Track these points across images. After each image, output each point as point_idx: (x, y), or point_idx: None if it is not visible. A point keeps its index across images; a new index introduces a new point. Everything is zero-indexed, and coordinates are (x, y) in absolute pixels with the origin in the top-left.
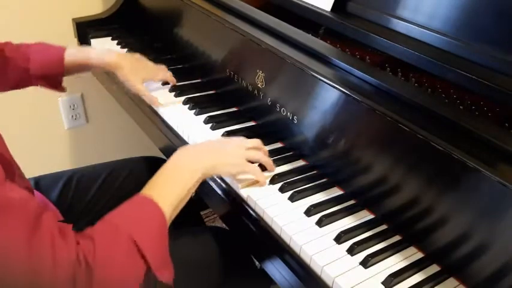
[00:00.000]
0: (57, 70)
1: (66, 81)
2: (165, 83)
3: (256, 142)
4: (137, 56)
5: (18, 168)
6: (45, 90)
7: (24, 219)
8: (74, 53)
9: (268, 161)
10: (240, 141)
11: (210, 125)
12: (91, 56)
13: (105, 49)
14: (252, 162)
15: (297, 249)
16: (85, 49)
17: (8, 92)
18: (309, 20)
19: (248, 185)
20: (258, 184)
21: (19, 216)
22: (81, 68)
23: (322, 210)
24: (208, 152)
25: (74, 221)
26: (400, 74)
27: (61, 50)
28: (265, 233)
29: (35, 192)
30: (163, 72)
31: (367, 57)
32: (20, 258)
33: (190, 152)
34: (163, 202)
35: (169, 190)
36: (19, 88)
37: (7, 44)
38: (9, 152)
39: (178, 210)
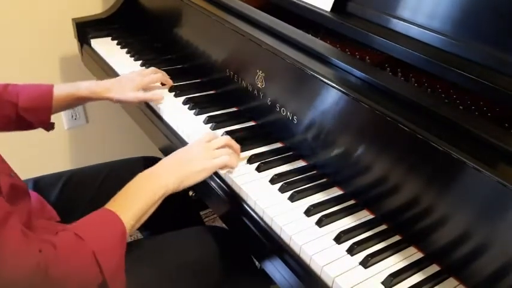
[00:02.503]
0: (46, 103)
1: (66, 80)
2: (163, 84)
3: (223, 140)
4: (126, 74)
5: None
6: None
7: None
8: (63, 86)
9: (235, 157)
10: (205, 145)
11: (210, 125)
12: (80, 86)
13: (92, 81)
14: None
15: (296, 249)
16: (75, 83)
17: None
18: (309, 20)
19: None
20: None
21: None
22: (69, 99)
23: (322, 210)
24: (175, 166)
25: (74, 221)
26: (400, 74)
27: (50, 85)
28: (265, 233)
29: (31, 192)
30: (151, 76)
31: (367, 57)
32: None
33: (159, 168)
34: (126, 216)
35: (133, 205)
36: (7, 130)
37: None
38: None
39: (141, 222)
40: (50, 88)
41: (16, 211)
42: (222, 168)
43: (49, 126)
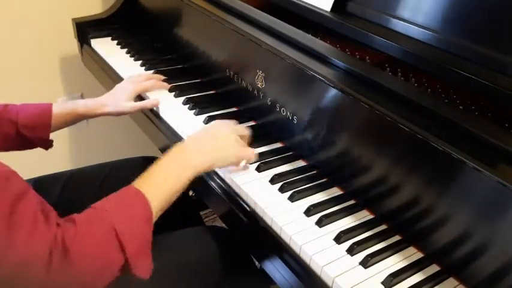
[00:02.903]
0: (45, 120)
1: (66, 80)
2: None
3: (240, 127)
4: (118, 84)
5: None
6: (45, 91)
7: (7, 193)
8: (62, 104)
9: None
10: (229, 129)
11: None
12: (78, 104)
13: (88, 99)
14: None
15: (296, 249)
16: (74, 101)
17: (8, 92)
18: (309, 20)
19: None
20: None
21: (1, 188)
22: (68, 117)
23: (322, 210)
24: (204, 150)
25: None
26: (400, 74)
27: (49, 104)
28: (265, 233)
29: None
30: (144, 83)
31: (367, 57)
32: None
33: (190, 149)
34: (153, 195)
35: (160, 185)
36: (6, 149)
37: None
38: None
39: (168, 204)
40: (49, 106)
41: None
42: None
43: (48, 144)
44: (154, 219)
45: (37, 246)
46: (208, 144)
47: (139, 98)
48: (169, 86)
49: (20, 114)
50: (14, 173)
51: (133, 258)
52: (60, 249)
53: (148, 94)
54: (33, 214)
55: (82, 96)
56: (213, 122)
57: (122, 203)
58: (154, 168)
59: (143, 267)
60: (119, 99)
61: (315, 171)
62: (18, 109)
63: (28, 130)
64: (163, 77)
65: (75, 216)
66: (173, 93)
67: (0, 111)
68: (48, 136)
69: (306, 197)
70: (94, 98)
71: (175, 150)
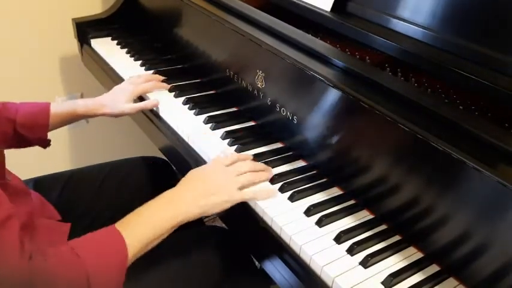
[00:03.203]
0: (43, 120)
1: (66, 80)
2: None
3: (247, 166)
4: (118, 85)
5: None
6: (45, 91)
7: None
8: (61, 104)
9: (261, 177)
10: (229, 171)
11: (210, 125)
12: (77, 104)
13: (87, 99)
14: None
15: (296, 249)
16: (72, 100)
17: (8, 92)
18: (309, 20)
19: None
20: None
21: None
22: (67, 116)
23: (322, 210)
24: (194, 196)
25: (74, 221)
26: (399, 74)
27: (47, 103)
28: (265, 233)
29: (33, 192)
30: (143, 85)
31: (367, 57)
32: None
33: (176, 195)
34: (133, 243)
35: (143, 230)
36: (3, 147)
37: None
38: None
39: (150, 247)
40: (47, 105)
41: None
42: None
43: (46, 143)
44: (131, 260)
45: (5, 270)
46: (200, 192)
47: (140, 98)
48: (169, 86)
49: (18, 113)
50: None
51: None
52: (26, 284)
53: (148, 94)
54: (10, 242)
55: (82, 96)
56: (210, 163)
57: (99, 246)
58: (141, 212)
59: None
60: (118, 100)
61: (315, 171)
62: (16, 107)
63: (26, 129)
64: (163, 78)
65: (48, 250)
66: (173, 93)
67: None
68: (46, 135)
69: (306, 197)
70: (94, 98)
71: (165, 198)
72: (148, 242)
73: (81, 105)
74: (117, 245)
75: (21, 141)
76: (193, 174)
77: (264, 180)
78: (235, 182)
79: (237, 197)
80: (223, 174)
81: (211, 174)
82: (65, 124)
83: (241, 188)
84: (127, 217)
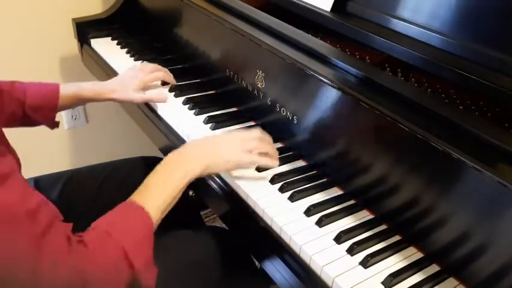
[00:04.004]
0: (53, 101)
1: (66, 80)
2: (164, 83)
3: (256, 133)
4: (127, 71)
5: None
6: None
7: (32, 233)
8: (69, 85)
9: (270, 148)
10: (236, 136)
11: (210, 125)
12: (85, 87)
13: (96, 81)
14: None
15: (296, 249)
16: (79, 82)
17: None
18: (309, 20)
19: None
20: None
21: (26, 229)
22: (74, 99)
23: (322, 210)
24: (198, 153)
25: (74, 221)
26: (400, 74)
27: (56, 84)
28: (265, 233)
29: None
30: (154, 74)
31: (367, 57)
32: (26, 267)
33: (186, 153)
34: (152, 207)
35: (160, 195)
36: (12, 126)
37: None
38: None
39: (167, 211)
40: (56, 87)
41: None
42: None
43: (54, 124)
44: (155, 228)
45: (60, 281)
46: (206, 148)
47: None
48: (175, 83)
49: (27, 95)
50: (44, 202)
51: (141, 273)
52: (81, 281)
53: (151, 90)
54: (60, 242)
55: None
56: (221, 133)
57: (126, 223)
58: (151, 177)
59: (150, 278)
60: (128, 86)
61: (315, 171)
62: (25, 88)
63: (35, 112)
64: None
65: (85, 238)
66: (173, 93)
67: (8, 89)
68: (54, 117)
69: (306, 197)
70: (103, 82)
71: (172, 161)
72: (165, 206)
73: (88, 89)
74: (141, 217)
75: (29, 121)
76: (200, 139)
77: (271, 152)
78: (240, 146)
79: (237, 157)
80: (228, 138)
81: (215, 137)
82: (71, 107)
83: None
84: (140, 189)
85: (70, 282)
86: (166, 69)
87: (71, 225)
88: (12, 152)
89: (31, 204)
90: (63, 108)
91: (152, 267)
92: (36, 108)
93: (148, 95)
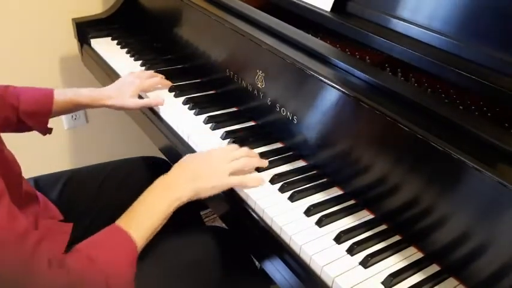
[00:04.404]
0: (47, 107)
1: (66, 80)
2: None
3: (242, 152)
4: (124, 77)
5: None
6: None
7: (19, 255)
8: (64, 91)
9: (254, 163)
10: (222, 157)
11: (210, 125)
12: (81, 93)
13: (93, 88)
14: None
15: (296, 249)
16: (77, 88)
17: None
18: (309, 20)
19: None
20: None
21: (14, 252)
22: (69, 105)
23: (322, 210)
24: (190, 179)
25: (74, 221)
26: (400, 74)
27: (51, 89)
28: (265, 233)
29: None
30: (151, 80)
31: (367, 57)
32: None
33: (174, 179)
34: (137, 233)
35: (146, 221)
36: (6, 131)
37: None
38: (10, 153)
39: (153, 234)
40: (50, 92)
41: (26, 217)
42: (238, 186)
43: (46, 130)
44: (139, 251)
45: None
46: (193, 175)
47: (139, 96)
48: (170, 84)
49: (21, 100)
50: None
51: None
52: None
53: (149, 94)
54: (43, 266)
55: None
56: (208, 152)
57: (110, 249)
58: (139, 204)
59: None
60: (124, 93)
61: (315, 171)
62: (19, 93)
63: (28, 117)
64: (164, 77)
65: (68, 263)
66: (173, 93)
67: (1, 94)
68: (47, 122)
69: (306, 197)
70: (99, 89)
71: (160, 186)
72: (151, 231)
73: (85, 95)
74: (125, 242)
75: (22, 127)
76: (186, 159)
77: (255, 166)
78: (227, 168)
79: (226, 182)
80: (216, 159)
81: (203, 159)
82: (67, 113)
83: (232, 174)
84: (128, 213)
85: None
86: (162, 76)
87: (54, 248)
88: (6, 159)
89: (19, 228)
90: (59, 113)
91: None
92: (30, 114)
93: (145, 100)
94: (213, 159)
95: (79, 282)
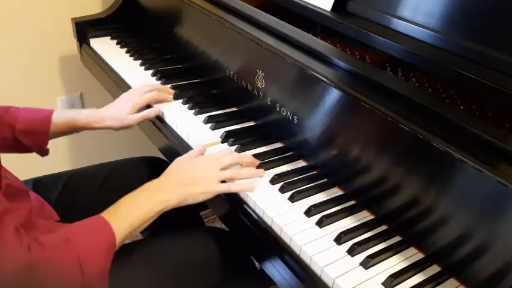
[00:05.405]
0: (44, 127)
1: (65, 80)
2: (164, 83)
3: (234, 159)
4: (122, 95)
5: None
6: (44, 90)
7: None
8: (63, 112)
9: (245, 174)
10: (213, 164)
11: (209, 125)
12: (80, 115)
13: (91, 110)
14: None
15: (296, 249)
16: (73, 110)
17: (7, 92)
18: (309, 20)
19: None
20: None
21: None
22: (67, 126)
23: (323, 211)
24: (179, 184)
25: (74, 221)
26: (400, 73)
27: (50, 110)
28: (265, 234)
29: (31, 193)
30: (148, 95)
31: (367, 57)
32: None
33: (163, 182)
34: (119, 226)
35: (129, 216)
36: (4, 151)
37: None
38: None
39: (135, 233)
40: (49, 113)
41: (12, 211)
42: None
43: (44, 152)
44: (118, 246)
45: (8, 268)
46: (182, 180)
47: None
48: (172, 98)
49: (18, 119)
50: None
51: (91, 281)
52: (29, 273)
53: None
54: (7, 237)
55: (81, 96)
56: (199, 158)
57: (89, 233)
58: (126, 200)
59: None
60: (120, 112)
61: (315, 171)
62: (17, 112)
63: (25, 137)
64: (171, 90)
65: (43, 239)
66: (173, 93)
67: (1, 114)
68: (46, 144)
69: (306, 197)
70: (98, 110)
71: (149, 189)
72: (133, 228)
73: (83, 116)
74: (105, 231)
75: (20, 147)
76: (177, 163)
77: (246, 178)
78: (217, 175)
79: (215, 189)
80: (205, 165)
81: (193, 165)
82: (67, 134)
83: (222, 181)
84: (114, 206)
85: (17, 273)
86: (163, 87)
87: (21, 218)
88: None
89: None
90: (58, 135)
91: (105, 280)
92: (26, 133)
93: (143, 113)
94: (204, 166)
95: (52, 259)
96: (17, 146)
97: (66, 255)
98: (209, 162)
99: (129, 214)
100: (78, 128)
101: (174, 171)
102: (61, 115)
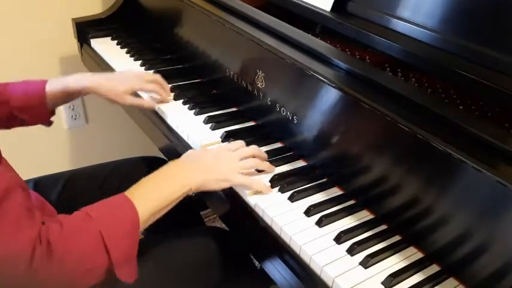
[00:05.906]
0: (39, 100)
1: None
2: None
3: (250, 150)
4: (121, 71)
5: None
6: None
7: None
8: (54, 81)
9: (263, 165)
10: (233, 154)
11: (209, 125)
12: (69, 81)
13: (84, 73)
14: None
15: (296, 249)
16: (65, 77)
17: None
18: (309, 20)
19: (255, 193)
20: (261, 192)
21: None
22: (62, 95)
23: (322, 210)
24: (201, 168)
25: None
26: (400, 74)
27: (43, 81)
28: (265, 233)
29: (32, 192)
30: (149, 85)
31: (367, 57)
32: None
33: (185, 165)
34: (142, 206)
35: (152, 197)
36: (4, 128)
37: None
38: None
39: (157, 216)
40: (42, 86)
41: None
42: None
43: (48, 123)
44: (142, 228)
45: (20, 243)
46: (203, 168)
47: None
48: (171, 99)
49: (12, 95)
50: (2, 172)
51: (118, 263)
52: (44, 248)
53: (147, 94)
54: (16, 212)
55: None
56: (217, 148)
57: (110, 209)
58: (147, 179)
59: (128, 273)
60: (117, 86)
61: (315, 171)
62: (12, 88)
63: (22, 112)
64: (170, 92)
65: (63, 217)
66: (173, 93)
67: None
68: (46, 114)
69: (306, 197)
70: (91, 74)
71: (170, 172)
72: (154, 212)
73: (75, 78)
74: (128, 209)
75: (14, 121)
76: (198, 152)
77: (265, 169)
78: (237, 166)
79: (235, 180)
80: (226, 156)
81: (214, 155)
82: (65, 102)
83: (241, 173)
84: (135, 186)
85: (30, 254)
86: (165, 84)
87: (31, 197)
88: None
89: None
90: (56, 104)
91: (132, 263)
92: (22, 109)
93: (138, 100)
94: (225, 154)
95: (71, 236)
96: (18, 121)
97: (85, 230)
98: (228, 153)
99: (154, 196)
100: (72, 93)
101: (196, 157)
102: (54, 84)
